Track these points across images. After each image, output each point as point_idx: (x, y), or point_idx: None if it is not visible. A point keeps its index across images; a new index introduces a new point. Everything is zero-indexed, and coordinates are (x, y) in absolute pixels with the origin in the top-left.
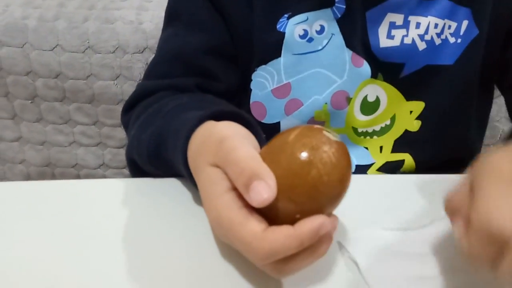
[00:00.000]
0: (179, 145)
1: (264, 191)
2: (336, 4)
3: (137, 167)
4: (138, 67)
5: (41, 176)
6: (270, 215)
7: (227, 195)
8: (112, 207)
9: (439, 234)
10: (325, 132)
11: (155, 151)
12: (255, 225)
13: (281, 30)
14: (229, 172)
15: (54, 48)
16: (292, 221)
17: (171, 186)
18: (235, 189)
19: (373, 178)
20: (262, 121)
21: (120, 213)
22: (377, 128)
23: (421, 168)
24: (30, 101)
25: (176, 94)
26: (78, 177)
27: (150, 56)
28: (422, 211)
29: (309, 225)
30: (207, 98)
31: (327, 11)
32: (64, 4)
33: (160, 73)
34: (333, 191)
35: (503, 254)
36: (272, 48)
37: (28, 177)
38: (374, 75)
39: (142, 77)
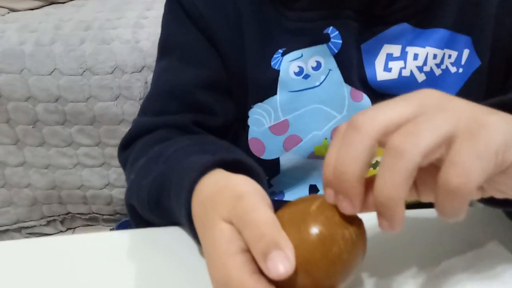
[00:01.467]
0: (182, 196)
1: (282, 264)
2: (332, 40)
3: (137, 213)
4: (138, 86)
5: (48, 199)
6: (282, 285)
7: (240, 257)
8: (115, 261)
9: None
10: None
11: (156, 199)
12: None
13: (276, 67)
14: (246, 234)
15: (52, 72)
16: None
17: (174, 235)
18: (248, 250)
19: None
20: (261, 157)
21: (124, 266)
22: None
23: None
24: (31, 126)
25: (175, 134)
26: (84, 198)
27: (149, 75)
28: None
29: None
30: (208, 140)
31: (323, 47)
32: (60, 26)
33: (156, 110)
34: (349, 269)
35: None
36: (267, 86)
37: (34, 200)
38: None
39: (142, 96)
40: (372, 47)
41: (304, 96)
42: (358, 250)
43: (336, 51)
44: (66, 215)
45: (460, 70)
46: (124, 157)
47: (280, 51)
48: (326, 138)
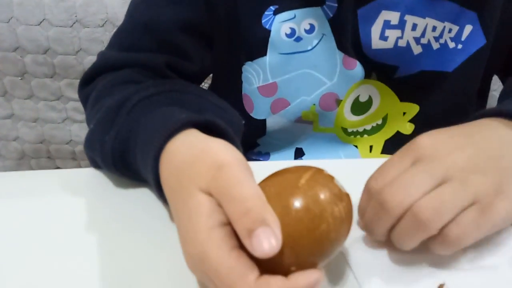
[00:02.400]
0: (149, 161)
1: (268, 241)
2: (327, 3)
3: (96, 165)
4: None
5: (36, 153)
6: (263, 261)
7: (218, 231)
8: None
9: None
10: (336, 182)
11: (122, 159)
12: (248, 273)
13: (267, 27)
14: (229, 209)
15: (41, 22)
16: (285, 272)
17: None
18: (227, 224)
19: (369, 162)
20: (251, 114)
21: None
22: (368, 127)
23: None
24: (20, 78)
25: (144, 76)
26: (73, 153)
27: None
28: None
29: (305, 280)
30: (176, 87)
31: (317, 10)
32: None
33: (127, 44)
34: (335, 248)
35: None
36: (257, 45)
37: (23, 154)
38: (367, 75)
39: None
40: (369, 13)
41: (294, 59)
42: (345, 227)
43: (331, 15)
44: (54, 170)
45: (460, 46)
46: (85, 94)
47: (272, 8)
48: (314, 104)
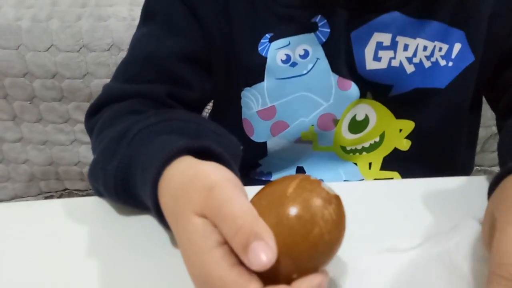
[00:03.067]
0: (147, 188)
1: (264, 254)
2: (320, 29)
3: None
4: None
5: (45, 175)
6: (265, 273)
7: (217, 251)
8: (100, 225)
9: (426, 256)
10: (324, 186)
11: (123, 187)
12: (250, 285)
13: (263, 54)
14: (223, 228)
15: (49, 48)
16: (288, 280)
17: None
18: (225, 243)
19: (361, 184)
20: (251, 138)
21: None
22: (366, 144)
23: None
24: (29, 102)
25: (147, 106)
26: (81, 174)
27: None
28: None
29: (308, 285)
30: (175, 116)
31: (311, 36)
32: (56, 3)
33: (129, 76)
34: (332, 249)
35: None
36: (254, 72)
37: (32, 176)
38: (363, 95)
39: None
40: (362, 35)
41: (291, 83)
42: (339, 229)
43: (324, 40)
44: (63, 191)
45: (450, 63)
46: (91, 124)
47: (268, 36)
48: (312, 125)
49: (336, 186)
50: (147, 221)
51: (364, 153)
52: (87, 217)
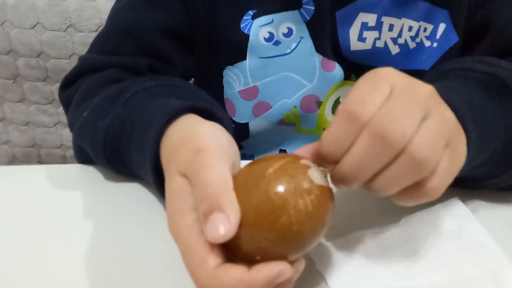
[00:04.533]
0: (147, 146)
1: (222, 226)
2: (304, 6)
3: (87, 156)
4: None
5: (27, 157)
6: (230, 247)
7: (191, 215)
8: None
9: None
10: (310, 172)
11: (114, 145)
12: (209, 259)
13: (245, 31)
14: (195, 192)
15: (34, 26)
16: (251, 261)
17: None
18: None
19: None
20: (233, 118)
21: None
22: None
23: None
24: (12, 81)
25: (128, 75)
26: (64, 158)
27: None
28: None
29: (265, 272)
30: (172, 81)
31: (295, 13)
32: None
33: (108, 48)
34: (302, 241)
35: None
36: (236, 50)
37: (13, 158)
38: (347, 77)
39: None
40: (347, 15)
41: (274, 63)
42: (315, 221)
43: (308, 18)
44: None
45: (435, 44)
46: (66, 96)
47: (251, 12)
48: (295, 106)
49: None
50: (132, 188)
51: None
52: (71, 184)
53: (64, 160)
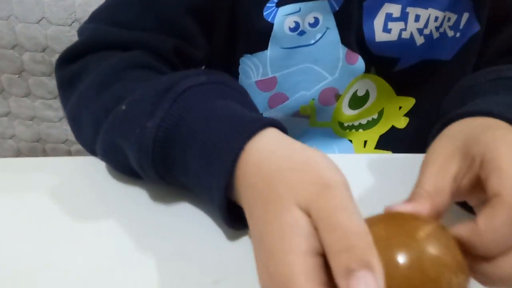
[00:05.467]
0: (222, 161)
1: None
2: None
3: (118, 155)
4: None
5: (32, 152)
6: None
7: (311, 260)
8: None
9: None
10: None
11: (164, 148)
12: None
13: (269, 20)
14: (329, 238)
15: (40, 20)
16: None
17: None
18: (321, 254)
19: (359, 157)
20: None
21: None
22: (364, 121)
23: None
24: (17, 76)
25: (155, 62)
26: (69, 152)
27: None
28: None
29: None
30: (222, 77)
31: (324, 3)
32: None
33: (124, 21)
34: None
35: None
36: (258, 39)
37: (18, 152)
38: (367, 70)
39: None
40: (373, 6)
41: (296, 53)
42: None
43: (337, 8)
44: None
45: (458, 34)
46: (68, 73)
47: (275, 0)
48: (313, 99)
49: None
50: (142, 183)
51: (360, 130)
52: (74, 176)
53: (69, 155)
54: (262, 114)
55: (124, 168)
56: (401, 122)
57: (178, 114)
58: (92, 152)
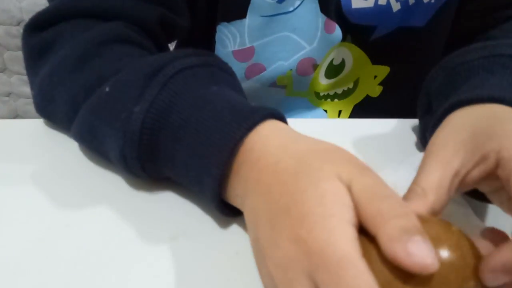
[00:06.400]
0: (220, 148)
1: (428, 254)
2: None
3: (95, 141)
4: None
5: None
6: None
7: (353, 229)
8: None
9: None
10: None
11: (152, 137)
12: (370, 277)
13: None
14: (380, 206)
15: None
16: None
17: None
18: (359, 228)
19: (339, 123)
20: None
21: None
22: (339, 91)
23: None
24: None
25: (137, 35)
26: None
27: None
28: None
29: None
30: (211, 61)
31: None
32: None
33: None
34: None
35: None
36: (237, 6)
37: None
38: (343, 38)
39: None
40: None
41: (275, 22)
42: None
43: None
44: None
45: (432, 0)
46: (38, 42)
47: None
48: (291, 69)
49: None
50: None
51: (335, 99)
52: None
53: None
54: None
55: (100, 154)
56: (375, 91)
57: (168, 99)
58: (65, 128)
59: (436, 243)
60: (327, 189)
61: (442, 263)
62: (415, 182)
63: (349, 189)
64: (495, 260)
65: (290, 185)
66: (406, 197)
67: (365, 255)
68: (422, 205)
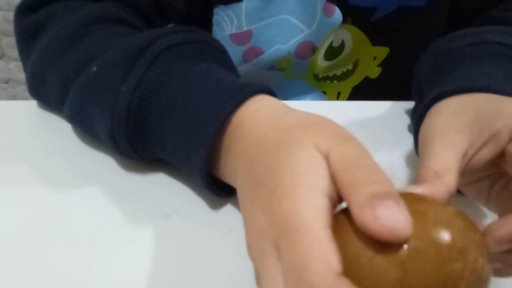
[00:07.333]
0: (205, 127)
1: (398, 217)
2: None
3: (85, 122)
4: None
5: None
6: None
7: (323, 200)
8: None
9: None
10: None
11: (139, 116)
12: (333, 259)
13: None
14: (355, 173)
15: None
16: None
17: None
18: (333, 201)
19: (338, 105)
20: None
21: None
22: (338, 72)
23: None
24: None
25: (129, 15)
26: None
27: None
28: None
29: None
30: (200, 37)
31: None
32: None
33: None
34: None
35: None
36: None
37: None
38: (343, 20)
39: None
40: None
41: (273, 4)
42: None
43: None
44: None
45: None
46: (31, 23)
47: None
48: (289, 53)
49: (301, 105)
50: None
51: (335, 81)
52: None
53: None
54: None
55: (92, 135)
56: (374, 72)
57: (156, 78)
58: (58, 110)
59: (420, 217)
60: (301, 158)
61: (422, 237)
62: (423, 166)
63: (327, 158)
64: (503, 229)
65: (270, 157)
66: (417, 182)
67: (340, 227)
68: (440, 186)
